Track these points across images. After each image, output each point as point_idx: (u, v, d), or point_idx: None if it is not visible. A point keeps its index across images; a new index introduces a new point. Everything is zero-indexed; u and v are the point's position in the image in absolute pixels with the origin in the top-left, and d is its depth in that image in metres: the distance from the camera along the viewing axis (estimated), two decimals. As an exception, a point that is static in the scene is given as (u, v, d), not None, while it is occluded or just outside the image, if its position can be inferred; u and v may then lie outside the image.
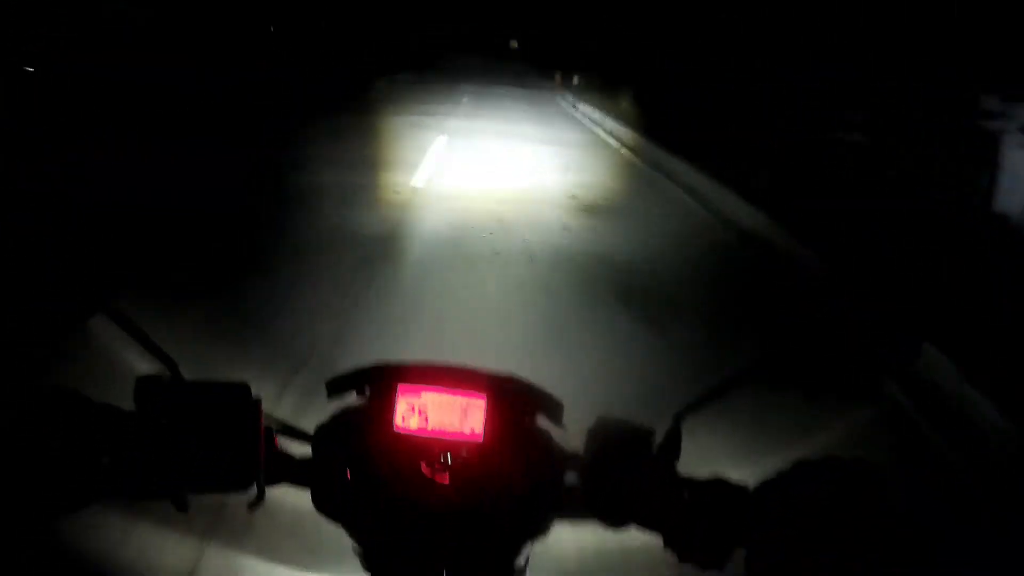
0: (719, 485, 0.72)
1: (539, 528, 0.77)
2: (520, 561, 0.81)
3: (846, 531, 0.64)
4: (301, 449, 0.79)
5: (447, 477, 0.74)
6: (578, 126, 16.20)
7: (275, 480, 0.77)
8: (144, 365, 0.74)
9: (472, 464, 0.75)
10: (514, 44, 46.29)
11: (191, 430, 0.71)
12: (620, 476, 0.73)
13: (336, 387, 0.79)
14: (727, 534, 0.70)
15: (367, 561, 0.79)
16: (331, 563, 1.96)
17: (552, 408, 0.79)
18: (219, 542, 2.18)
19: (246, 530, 2.22)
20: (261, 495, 0.75)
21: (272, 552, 2.17)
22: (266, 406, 0.75)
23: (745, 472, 0.75)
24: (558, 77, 28.41)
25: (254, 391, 0.75)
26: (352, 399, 0.79)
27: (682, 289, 4.96)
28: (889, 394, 3.48)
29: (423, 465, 0.75)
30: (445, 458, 0.75)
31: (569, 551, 2.15)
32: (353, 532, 0.78)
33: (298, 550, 2.15)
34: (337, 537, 0.80)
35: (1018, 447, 3.00)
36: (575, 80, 26.37)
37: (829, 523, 0.65)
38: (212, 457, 0.71)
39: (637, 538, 0.76)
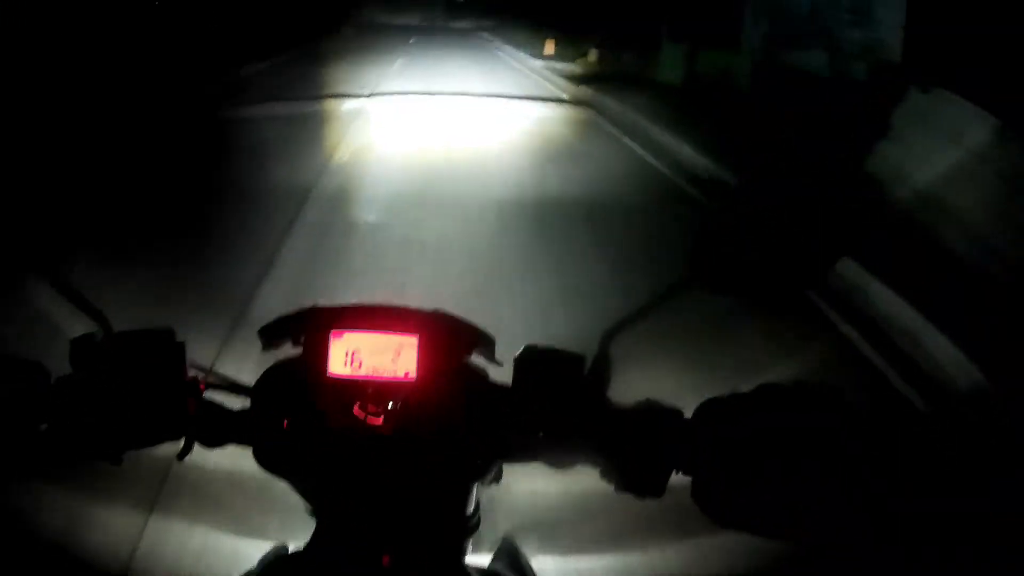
0: (652, 411, 0.71)
1: (483, 470, 0.76)
2: (469, 507, 0.80)
3: (787, 454, 0.63)
4: (240, 405, 0.78)
5: (380, 418, 0.73)
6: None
7: (217, 441, 0.76)
8: (80, 325, 0.74)
9: (408, 405, 0.74)
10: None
11: (119, 384, 0.70)
12: (550, 406, 0.72)
13: (269, 335, 0.77)
14: (663, 461, 0.68)
15: (314, 513, 0.78)
16: (280, 519, 2.00)
17: (485, 343, 0.77)
18: (165, 508, 2.15)
19: (194, 493, 2.19)
20: (189, 445, 0.74)
21: (221, 514, 2.14)
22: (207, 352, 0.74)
23: (678, 395, 0.73)
24: (550, 46, 17.88)
25: (181, 337, 0.75)
26: (288, 348, 0.78)
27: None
28: (814, 309, 3.63)
29: (356, 407, 0.73)
30: (379, 400, 0.74)
31: (522, 500, 2.15)
32: (296, 485, 0.76)
33: (247, 510, 2.12)
34: (285, 493, 0.79)
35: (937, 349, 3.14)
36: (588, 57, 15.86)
37: (771, 446, 0.64)
38: (140, 408, 0.71)
39: (587, 482, 0.75)
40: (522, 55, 19.30)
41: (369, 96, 11.27)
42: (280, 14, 20.17)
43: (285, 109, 9.77)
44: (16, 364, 0.69)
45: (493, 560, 0.97)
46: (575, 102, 11.76)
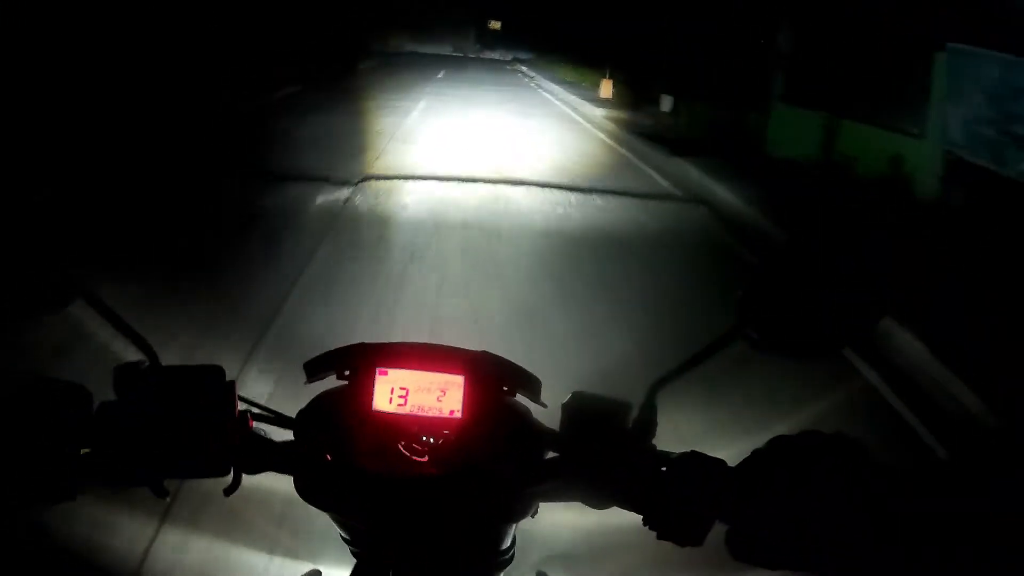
0: (696, 460, 0.71)
1: (522, 508, 0.76)
2: (505, 543, 0.81)
3: (827, 507, 0.64)
4: (283, 435, 0.79)
5: (426, 456, 0.74)
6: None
7: (258, 468, 0.76)
8: (125, 352, 0.74)
9: (451, 443, 0.75)
10: (496, 25, 33.17)
11: (167, 416, 0.70)
12: (597, 453, 0.73)
13: (314, 369, 0.78)
14: (705, 510, 0.69)
15: (352, 545, 0.79)
16: (317, 550, 2.02)
17: (530, 385, 0.78)
18: (203, 533, 2.16)
19: (231, 520, 2.20)
20: (237, 480, 0.75)
21: (258, 541, 2.14)
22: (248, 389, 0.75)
23: (721, 446, 0.75)
24: (606, 88, 14.48)
25: (229, 375, 0.75)
26: (331, 381, 0.78)
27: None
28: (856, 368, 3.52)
29: (401, 445, 0.74)
30: (425, 438, 0.75)
31: (555, 533, 2.13)
32: (336, 517, 0.78)
33: (284, 538, 2.13)
34: (322, 524, 0.80)
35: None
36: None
37: (809, 498, 0.65)
38: (188, 442, 0.71)
39: (621, 516, 0.76)
40: (573, 98, 15.67)
41: (357, 184, 6.69)
42: (287, 46, 16.69)
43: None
44: (59, 385, 0.69)
45: None
46: (683, 196, 7.28)
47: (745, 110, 9.88)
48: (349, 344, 0.78)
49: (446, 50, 31.18)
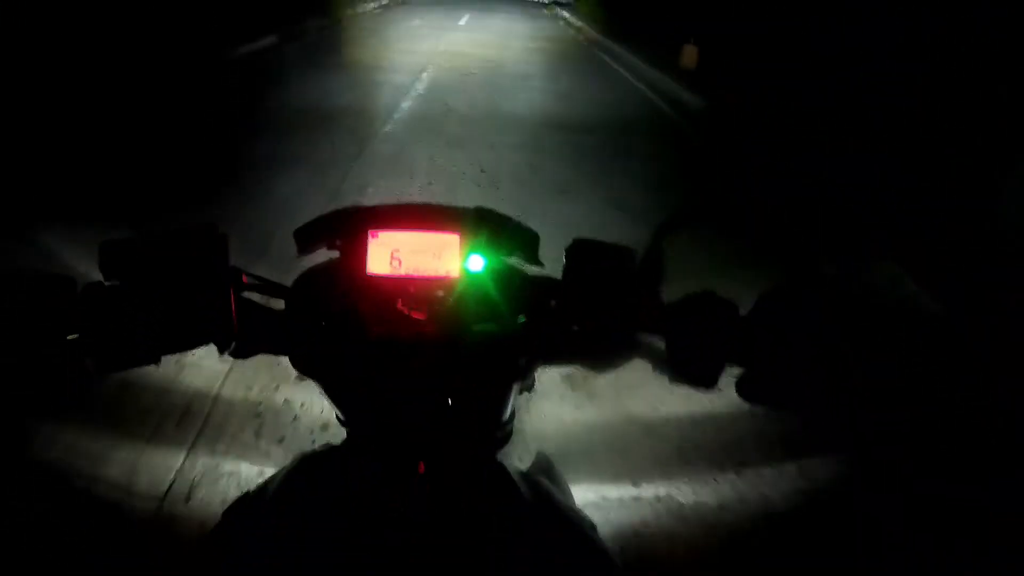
0: (708, 301, 0.69)
1: (525, 369, 0.74)
2: (505, 414, 0.79)
3: (836, 354, 0.64)
4: (275, 306, 0.75)
5: (425, 315, 0.72)
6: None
7: (251, 340, 0.72)
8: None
9: (450, 302, 0.73)
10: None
11: (155, 285, 0.66)
12: (603, 296, 0.71)
13: (305, 237, 0.75)
14: (719, 351, 0.68)
15: (346, 422, 0.77)
16: (308, 436, 2.13)
17: (528, 240, 0.76)
18: (203, 441, 2.19)
19: (227, 433, 2.22)
20: (235, 338, 0.71)
21: (252, 433, 2.18)
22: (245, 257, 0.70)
23: (728, 292, 0.72)
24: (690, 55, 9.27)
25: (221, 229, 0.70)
26: (325, 251, 0.76)
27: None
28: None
29: (399, 303, 0.72)
30: (421, 297, 0.72)
31: (557, 402, 2.22)
32: (330, 390, 0.75)
33: (279, 427, 2.19)
34: (314, 412, 0.76)
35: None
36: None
37: (819, 346, 0.65)
38: (182, 306, 0.67)
39: (613, 410, 0.74)
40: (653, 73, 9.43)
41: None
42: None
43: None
44: (39, 277, 0.64)
45: (529, 469, 0.96)
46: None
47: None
48: (337, 209, 0.75)
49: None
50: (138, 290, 0.66)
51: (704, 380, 0.69)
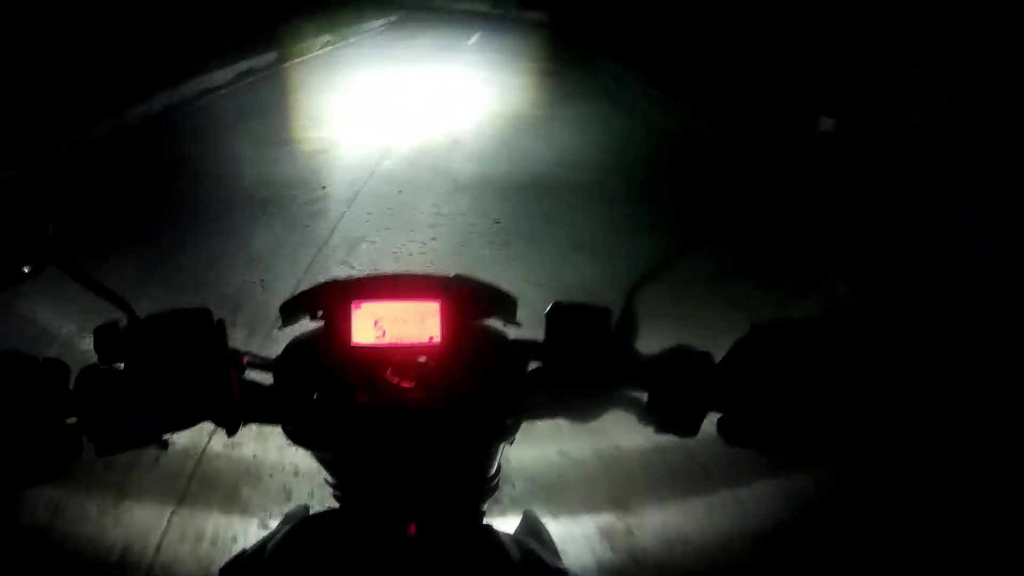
0: (683, 354, 0.73)
1: (508, 428, 0.76)
2: (491, 469, 0.81)
3: (812, 391, 0.67)
4: (264, 379, 0.77)
5: (413, 382, 0.74)
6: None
7: (245, 417, 0.74)
8: (101, 313, 0.70)
9: (434, 367, 0.75)
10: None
11: (157, 368, 0.68)
12: (583, 355, 0.74)
13: (290, 311, 0.77)
14: (697, 400, 0.71)
15: (337, 489, 0.79)
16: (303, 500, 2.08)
17: (506, 304, 0.78)
18: (189, 499, 2.17)
19: (218, 480, 2.21)
20: (239, 419, 0.73)
21: (245, 499, 2.17)
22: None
23: (703, 341, 0.75)
24: None
25: (216, 316, 0.72)
26: (308, 323, 0.78)
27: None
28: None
29: (387, 372, 0.74)
30: (407, 365, 0.74)
31: (543, 451, 2.25)
32: (323, 458, 0.78)
33: (273, 493, 2.17)
34: (309, 475, 0.75)
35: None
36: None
37: (793, 382, 0.68)
38: (183, 389, 0.68)
39: (605, 430, 0.80)
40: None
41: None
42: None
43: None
44: (32, 362, 0.66)
45: (517, 530, 0.98)
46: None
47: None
48: (320, 282, 0.77)
49: (483, 6, 23.48)
50: (136, 373, 0.68)
51: (685, 429, 0.72)
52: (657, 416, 0.73)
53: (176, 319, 0.70)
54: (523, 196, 4.95)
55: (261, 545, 0.75)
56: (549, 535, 1.03)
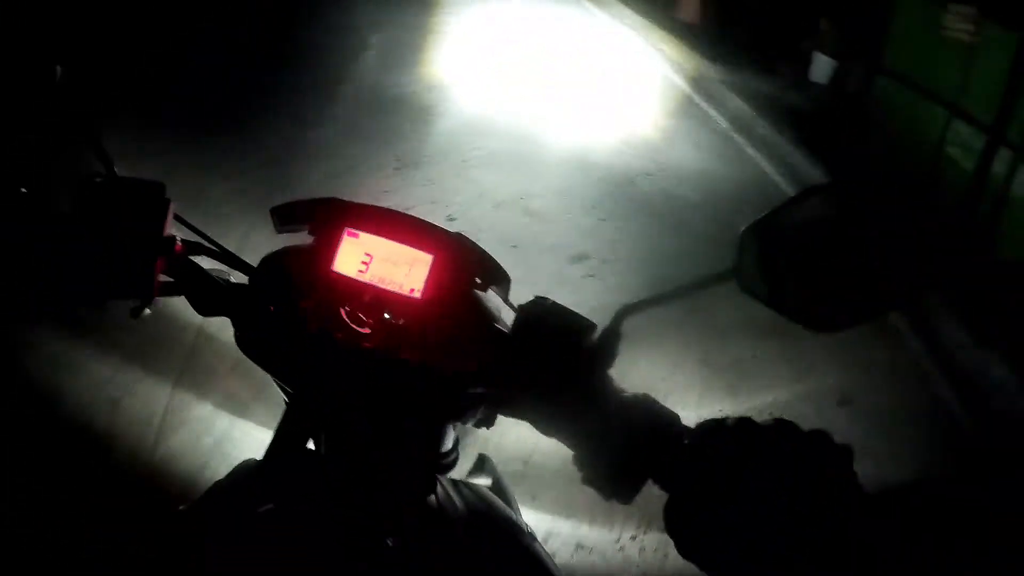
0: (645, 405, 0.64)
1: (462, 411, 0.72)
2: (446, 444, 0.77)
3: (772, 494, 0.54)
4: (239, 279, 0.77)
5: (368, 330, 0.70)
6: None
7: (206, 307, 0.75)
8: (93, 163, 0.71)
9: (403, 322, 0.70)
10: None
11: (96, 230, 0.69)
12: (544, 367, 0.66)
13: (283, 219, 0.75)
14: (641, 468, 0.61)
15: (287, 397, 0.77)
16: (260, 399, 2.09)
17: (500, 280, 0.73)
18: (191, 382, 2.21)
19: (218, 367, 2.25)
20: (147, 302, 0.72)
21: (205, 383, 2.20)
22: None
23: (681, 393, 0.66)
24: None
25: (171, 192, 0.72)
26: (303, 235, 0.75)
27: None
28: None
29: (344, 311, 0.70)
30: (372, 310, 0.70)
31: (509, 447, 2.09)
32: (273, 374, 0.76)
33: (230, 385, 2.18)
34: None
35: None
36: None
37: (758, 481, 0.55)
38: (116, 257, 0.69)
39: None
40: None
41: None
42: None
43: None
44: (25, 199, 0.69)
45: (469, 474, 0.95)
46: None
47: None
48: (322, 197, 0.74)
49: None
50: (82, 232, 0.69)
51: (616, 493, 0.63)
52: (591, 467, 0.63)
53: (132, 188, 0.71)
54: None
55: (234, 479, 0.76)
56: (503, 479, 0.98)
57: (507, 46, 6.75)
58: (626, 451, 0.62)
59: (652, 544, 2.01)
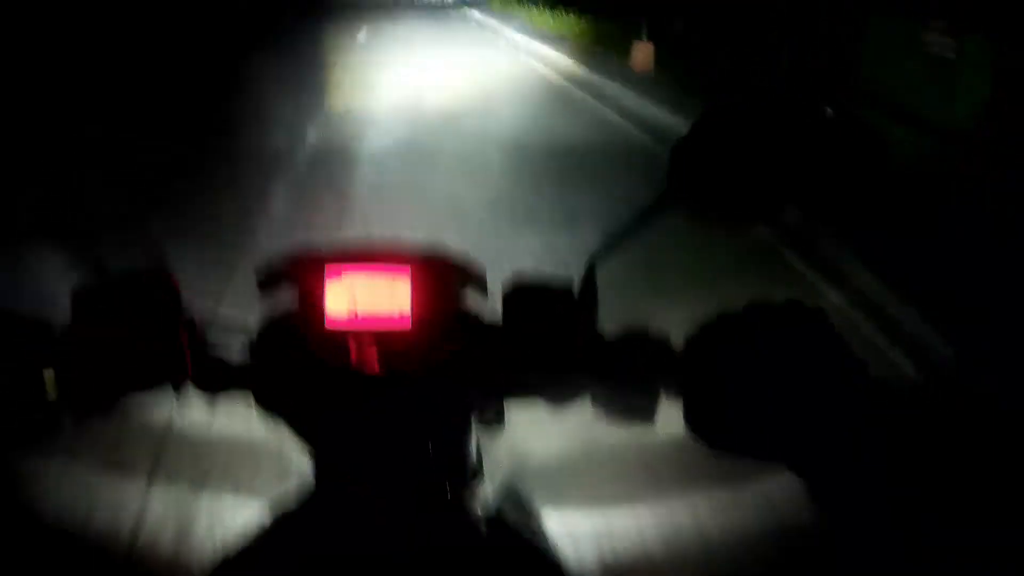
0: (638, 337, 0.70)
1: (479, 406, 0.75)
2: (468, 451, 0.80)
3: (778, 376, 0.62)
4: (243, 350, 0.78)
5: (379, 356, 0.73)
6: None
7: (218, 384, 0.76)
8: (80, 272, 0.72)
9: (401, 344, 0.74)
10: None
11: (112, 329, 0.71)
12: (541, 343, 0.72)
13: (264, 280, 0.77)
14: (651, 386, 0.68)
15: (313, 456, 0.79)
16: (280, 467, 2.06)
17: (477, 272, 0.77)
18: (169, 473, 2.18)
19: (197, 455, 2.23)
20: (187, 385, 0.74)
21: (223, 463, 2.19)
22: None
23: (665, 315, 0.72)
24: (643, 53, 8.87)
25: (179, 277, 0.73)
26: (285, 288, 0.78)
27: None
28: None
29: (358, 344, 0.74)
30: (373, 340, 0.74)
31: (520, 435, 2.16)
32: (296, 429, 0.78)
33: (247, 457, 2.18)
34: (283, 441, 0.79)
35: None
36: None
37: (760, 364, 0.62)
38: (133, 350, 0.71)
39: (587, 416, 0.74)
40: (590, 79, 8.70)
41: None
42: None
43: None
44: (13, 317, 0.69)
45: (495, 499, 0.97)
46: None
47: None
48: (296, 250, 0.77)
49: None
50: (97, 335, 0.70)
51: (638, 416, 0.70)
52: (609, 402, 0.71)
53: (133, 280, 0.73)
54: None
55: (246, 543, 0.74)
56: (533, 508, 1.01)
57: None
58: (634, 375, 0.69)
59: (676, 542, 2.03)
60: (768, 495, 2.01)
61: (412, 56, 12.31)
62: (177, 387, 0.73)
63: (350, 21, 16.46)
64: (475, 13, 19.50)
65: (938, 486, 0.59)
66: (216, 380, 0.75)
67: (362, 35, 13.18)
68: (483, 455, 0.83)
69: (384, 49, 12.50)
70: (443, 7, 24.52)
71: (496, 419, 0.78)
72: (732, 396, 0.63)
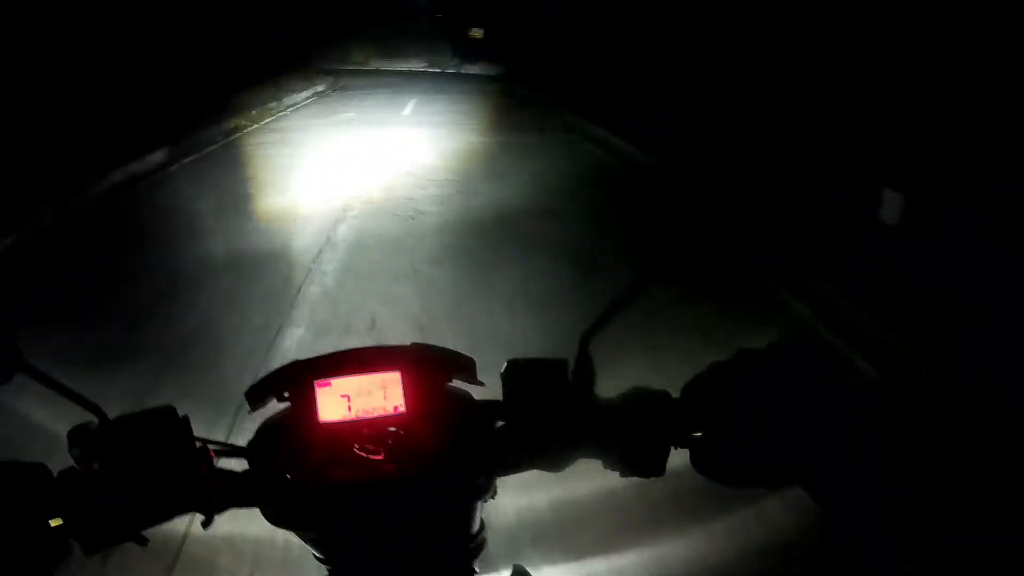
0: (640, 396, 0.74)
1: (484, 486, 0.78)
2: (474, 527, 0.82)
3: (770, 408, 0.67)
4: (240, 466, 0.79)
5: (382, 454, 0.75)
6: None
7: (223, 503, 0.76)
8: (73, 415, 0.72)
9: (402, 437, 0.76)
10: (478, 33, 19.51)
11: (129, 468, 0.70)
12: (541, 411, 0.75)
13: (255, 397, 0.79)
14: (658, 439, 0.72)
15: (326, 564, 0.80)
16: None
17: (465, 365, 0.79)
18: None
19: (209, 563, 2.20)
20: (211, 511, 0.75)
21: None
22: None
23: (662, 377, 0.76)
24: None
25: (181, 411, 0.74)
26: (275, 404, 0.79)
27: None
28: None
29: (355, 447, 0.75)
30: (375, 437, 0.75)
31: (522, 504, 2.25)
32: (305, 535, 0.79)
33: (260, 569, 2.15)
34: (293, 547, 0.79)
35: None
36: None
37: (757, 408, 0.67)
38: (156, 487, 0.71)
39: (582, 472, 0.77)
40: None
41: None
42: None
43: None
44: (12, 466, 0.68)
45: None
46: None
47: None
48: (283, 365, 0.79)
49: (419, 65, 19.32)
50: (110, 474, 0.70)
51: (651, 470, 0.73)
52: (622, 460, 0.74)
53: (143, 420, 0.73)
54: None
55: None
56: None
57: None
58: (642, 432, 0.73)
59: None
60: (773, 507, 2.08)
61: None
62: (202, 512, 0.74)
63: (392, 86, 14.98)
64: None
65: (938, 486, 0.60)
66: (221, 498, 0.76)
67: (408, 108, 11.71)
68: (484, 528, 0.85)
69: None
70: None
71: (492, 493, 0.80)
72: (738, 432, 0.68)
